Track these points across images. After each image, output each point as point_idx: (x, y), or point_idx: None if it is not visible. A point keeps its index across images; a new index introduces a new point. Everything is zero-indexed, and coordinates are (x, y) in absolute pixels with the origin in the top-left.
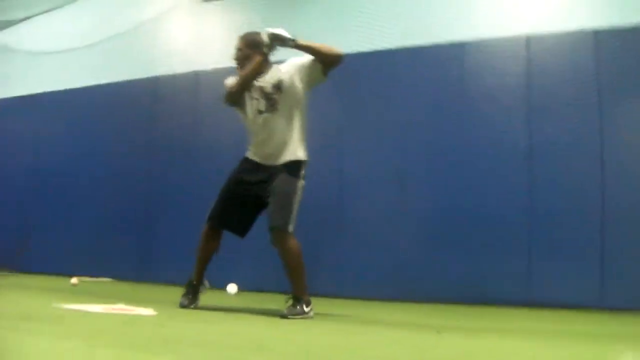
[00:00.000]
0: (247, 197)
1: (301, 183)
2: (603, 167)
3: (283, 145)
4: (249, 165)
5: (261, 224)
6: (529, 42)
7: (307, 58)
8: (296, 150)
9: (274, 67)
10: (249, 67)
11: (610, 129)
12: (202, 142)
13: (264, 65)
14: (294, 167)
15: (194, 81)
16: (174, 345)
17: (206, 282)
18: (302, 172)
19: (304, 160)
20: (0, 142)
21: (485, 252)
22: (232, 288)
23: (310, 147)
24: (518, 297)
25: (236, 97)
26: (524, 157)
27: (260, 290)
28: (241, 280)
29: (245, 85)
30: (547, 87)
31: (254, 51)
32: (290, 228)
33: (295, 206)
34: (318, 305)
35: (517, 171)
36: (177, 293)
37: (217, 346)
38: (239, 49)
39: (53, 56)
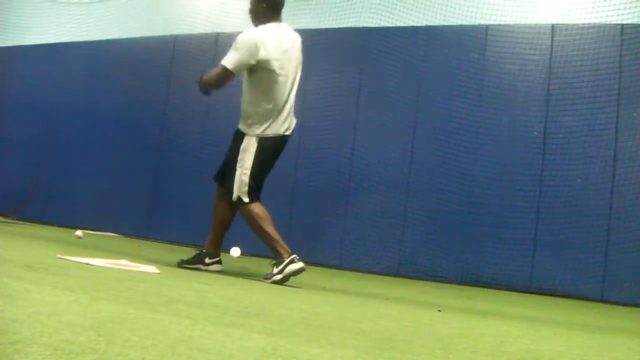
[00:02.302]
0: None
1: (244, 144)
2: (615, 164)
3: (241, 112)
4: None
5: (266, 189)
6: (554, 31)
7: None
8: (244, 122)
9: None
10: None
11: (626, 126)
12: (218, 104)
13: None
14: (240, 134)
15: (214, 43)
16: (174, 304)
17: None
18: (245, 142)
19: (247, 134)
20: (17, 90)
21: (491, 238)
22: (235, 251)
23: (325, 118)
24: (520, 284)
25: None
26: (538, 146)
27: (263, 255)
28: (245, 244)
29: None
30: (567, 79)
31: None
32: (234, 196)
33: (239, 170)
34: (320, 275)
35: (530, 159)
36: (182, 252)
37: (217, 309)
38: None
39: (73, 7)
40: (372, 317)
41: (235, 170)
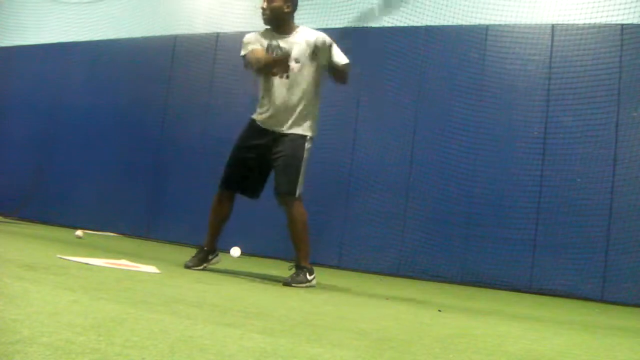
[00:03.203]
0: (254, 159)
1: (309, 145)
2: (615, 164)
3: (289, 115)
4: (254, 129)
5: (270, 188)
6: (554, 31)
7: (332, 51)
8: (301, 124)
9: (304, 31)
10: (262, 60)
11: (626, 126)
12: (217, 103)
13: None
14: (297, 137)
15: (214, 43)
16: (174, 304)
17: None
18: (307, 144)
19: (308, 136)
20: (17, 89)
21: (491, 238)
22: (235, 251)
23: (325, 119)
24: (520, 284)
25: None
26: (538, 146)
27: (263, 255)
28: (245, 244)
29: (258, 72)
30: (567, 79)
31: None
32: (298, 192)
33: (302, 170)
34: (320, 275)
35: (530, 160)
36: (182, 252)
37: (218, 309)
38: (264, 9)
39: (73, 7)
40: (372, 317)
41: (300, 170)
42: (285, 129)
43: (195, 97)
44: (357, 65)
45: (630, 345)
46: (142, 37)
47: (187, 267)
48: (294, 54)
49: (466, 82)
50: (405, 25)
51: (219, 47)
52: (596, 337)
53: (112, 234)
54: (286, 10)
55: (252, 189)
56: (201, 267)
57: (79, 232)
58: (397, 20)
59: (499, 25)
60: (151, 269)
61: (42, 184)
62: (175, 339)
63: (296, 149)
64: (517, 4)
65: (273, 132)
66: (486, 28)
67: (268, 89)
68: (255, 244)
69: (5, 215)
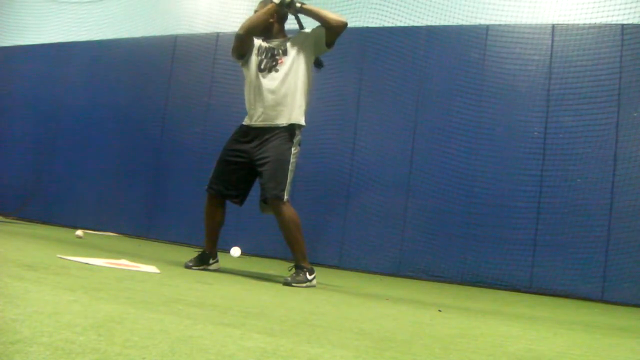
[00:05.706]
0: (240, 164)
1: (295, 150)
2: (615, 164)
3: (279, 106)
4: (241, 132)
5: None
6: (555, 31)
7: (315, 29)
8: (292, 114)
9: (286, 37)
10: (260, 11)
11: (626, 126)
12: (217, 103)
13: (275, 26)
14: (287, 132)
15: (214, 43)
16: (174, 304)
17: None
18: (297, 138)
19: (300, 125)
20: (17, 89)
21: (491, 238)
22: (235, 251)
23: (325, 119)
24: (520, 284)
25: (243, 39)
26: (538, 146)
27: (263, 255)
28: (245, 244)
29: (252, 27)
30: (567, 79)
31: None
32: (285, 196)
33: (290, 174)
34: (321, 275)
35: (530, 159)
36: (182, 252)
37: (218, 309)
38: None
39: (73, 7)
40: (372, 317)
41: (287, 175)
42: (274, 122)
43: (195, 97)
44: (357, 65)
45: (630, 345)
46: (142, 37)
47: (187, 267)
48: (284, 47)
49: (466, 82)
50: (406, 25)
51: (219, 47)
52: (596, 337)
53: (112, 234)
54: (270, 19)
55: (236, 195)
56: (201, 267)
57: (79, 232)
58: (397, 20)
59: (500, 25)
60: (151, 269)
61: (42, 184)
62: (175, 339)
63: (283, 153)
64: (517, 4)
65: (258, 136)
66: (487, 28)
67: (257, 86)
68: (255, 244)
69: (6, 215)
